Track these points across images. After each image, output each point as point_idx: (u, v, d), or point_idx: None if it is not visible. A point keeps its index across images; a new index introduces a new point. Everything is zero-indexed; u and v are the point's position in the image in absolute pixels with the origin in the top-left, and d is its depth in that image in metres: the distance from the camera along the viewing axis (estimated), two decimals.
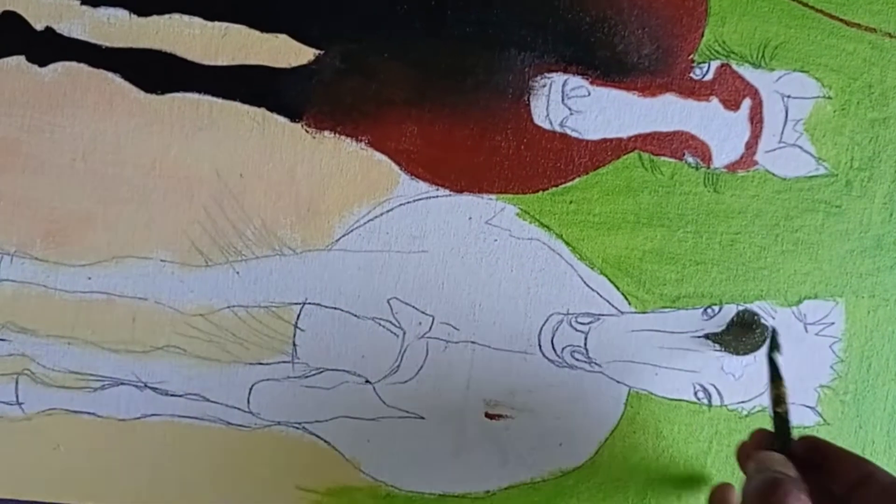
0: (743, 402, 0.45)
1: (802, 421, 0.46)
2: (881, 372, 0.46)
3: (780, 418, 0.40)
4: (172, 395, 0.43)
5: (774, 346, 0.44)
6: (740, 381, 0.45)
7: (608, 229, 0.44)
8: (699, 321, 0.45)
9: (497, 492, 0.45)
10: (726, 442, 0.45)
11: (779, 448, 0.39)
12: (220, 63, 0.43)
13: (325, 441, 0.44)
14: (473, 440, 0.45)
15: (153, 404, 0.43)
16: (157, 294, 0.43)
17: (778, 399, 0.41)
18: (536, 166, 0.44)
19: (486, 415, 0.45)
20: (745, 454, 0.40)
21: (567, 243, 0.44)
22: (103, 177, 0.42)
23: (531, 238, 0.44)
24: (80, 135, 0.42)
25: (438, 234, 0.44)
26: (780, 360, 0.43)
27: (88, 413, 0.43)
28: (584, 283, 0.44)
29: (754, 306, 0.45)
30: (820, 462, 0.37)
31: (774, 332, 0.45)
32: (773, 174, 0.45)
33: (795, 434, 0.40)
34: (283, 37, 0.43)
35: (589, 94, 0.44)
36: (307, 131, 0.43)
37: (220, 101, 0.43)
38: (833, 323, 0.46)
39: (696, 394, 0.45)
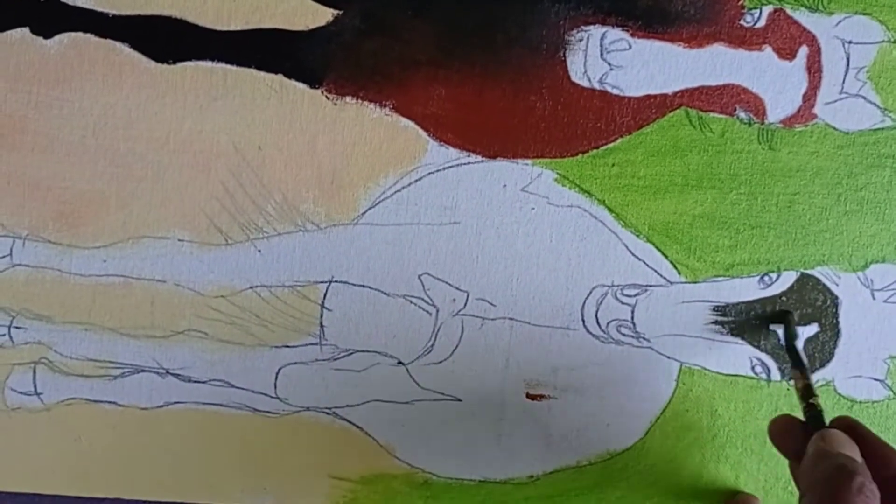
0: None
1: (871, 395, 0.43)
2: None
3: (814, 409, 0.37)
4: (196, 382, 0.42)
5: (792, 334, 0.42)
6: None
7: (654, 193, 0.42)
8: (756, 290, 0.42)
9: (541, 476, 0.43)
10: None
11: (814, 425, 0.36)
12: (233, 28, 0.41)
13: (358, 426, 0.43)
14: (514, 422, 0.43)
15: (176, 391, 0.42)
16: (175, 275, 0.42)
17: (807, 390, 0.38)
18: (575, 127, 0.41)
19: (528, 395, 0.43)
20: (780, 436, 0.37)
21: (610, 210, 0.42)
22: (115, 153, 0.41)
23: (571, 205, 0.42)
24: (89, 110, 0.41)
25: (471, 204, 0.42)
26: (801, 346, 0.41)
27: (109, 402, 0.42)
28: (630, 251, 0.42)
29: (816, 272, 0.42)
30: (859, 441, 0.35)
31: (789, 316, 0.42)
32: (835, 128, 0.42)
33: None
34: None
35: (630, 46, 0.41)
36: (328, 98, 0.41)
37: (234, 68, 0.41)
38: None
39: (753, 368, 0.43)
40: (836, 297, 0.43)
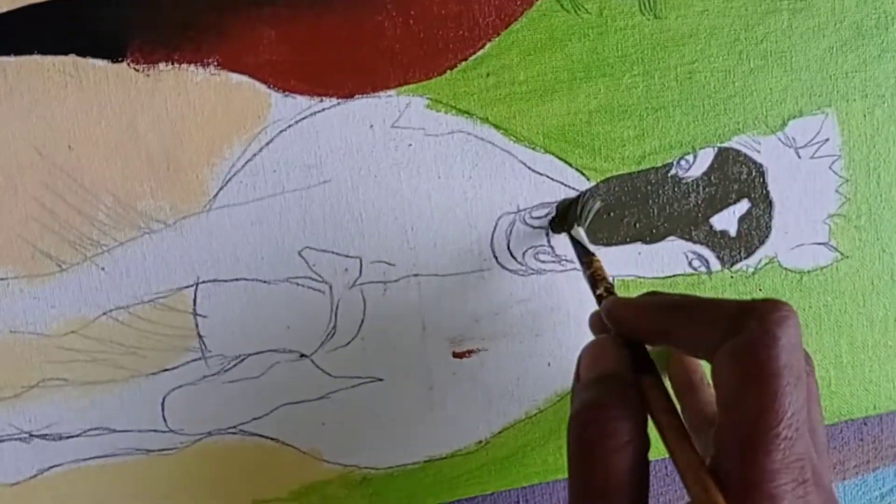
0: (746, 259, 0.39)
1: (818, 261, 0.40)
2: (894, 181, 0.40)
3: (604, 299, 0.33)
4: (68, 438, 0.36)
5: (567, 220, 0.37)
6: (738, 237, 0.39)
7: (541, 97, 0.37)
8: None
9: (490, 439, 0.39)
10: None
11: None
12: None
13: (272, 438, 0.37)
14: (446, 388, 0.38)
15: (47, 455, 0.36)
16: (9, 322, 0.35)
17: (593, 277, 0.35)
18: (435, 41, 0.36)
19: (454, 354, 0.38)
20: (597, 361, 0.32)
21: (496, 126, 0.37)
22: None
23: (452, 131, 0.36)
24: None
25: (338, 156, 0.36)
26: (581, 234, 0.37)
27: None
28: (529, 168, 0.37)
29: (734, 143, 0.38)
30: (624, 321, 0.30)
31: (561, 205, 0.38)
32: None
33: None
34: None
35: None
36: (137, 70, 0.34)
37: (13, 59, 0.34)
38: (827, 139, 0.39)
39: (690, 263, 0.39)
40: (761, 166, 0.39)
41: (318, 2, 0.35)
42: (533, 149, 0.37)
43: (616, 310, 0.31)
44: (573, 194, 0.37)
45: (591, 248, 0.36)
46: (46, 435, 0.36)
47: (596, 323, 0.33)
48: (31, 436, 0.35)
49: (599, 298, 0.34)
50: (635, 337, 0.30)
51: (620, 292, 0.39)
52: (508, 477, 0.39)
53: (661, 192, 0.38)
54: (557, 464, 0.40)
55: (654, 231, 0.38)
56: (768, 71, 0.38)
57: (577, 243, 0.37)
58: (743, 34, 0.38)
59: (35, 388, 0.35)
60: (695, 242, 0.39)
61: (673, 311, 0.28)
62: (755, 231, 0.39)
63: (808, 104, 0.39)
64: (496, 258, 0.38)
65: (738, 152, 0.38)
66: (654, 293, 0.32)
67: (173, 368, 0.36)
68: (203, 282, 0.36)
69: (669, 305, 0.29)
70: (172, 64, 0.34)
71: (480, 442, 0.39)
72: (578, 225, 0.37)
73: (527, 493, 0.41)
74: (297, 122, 0.35)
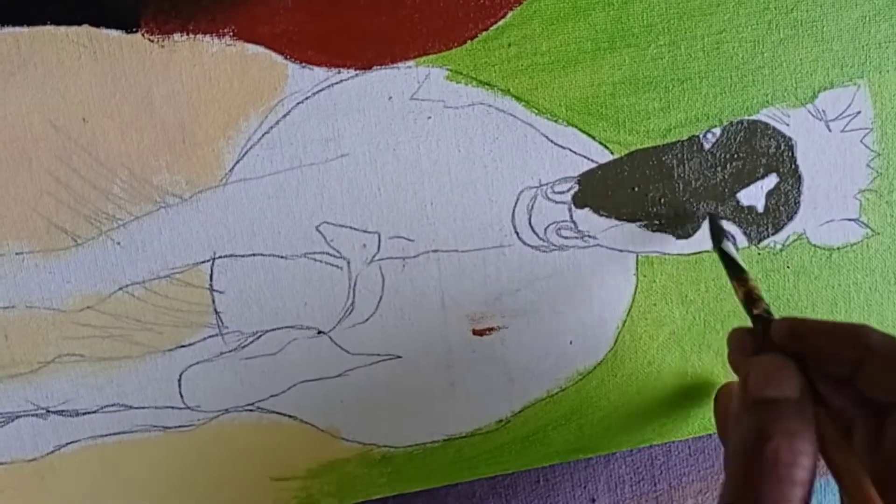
0: (774, 235, 0.38)
1: (847, 238, 0.39)
2: None
3: (762, 319, 0.32)
4: (85, 414, 0.36)
5: (719, 234, 0.37)
6: (765, 213, 0.38)
7: (563, 68, 0.36)
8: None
9: (511, 418, 0.38)
10: (765, 286, 0.39)
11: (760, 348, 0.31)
12: None
13: (290, 416, 0.37)
14: (466, 366, 0.37)
15: (64, 431, 0.36)
16: (25, 297, 0.34)
17: (750, 296, 0.33)
18: (455, 9, 0.35)
19: (474, 332, 0.37)
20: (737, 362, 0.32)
21: (518, 98, 0.36)
22: None
23: (472, 103, 0.36)
24: None
25: (356, 129, 0.35)
26: (732, 248, 0.36)
27: None
28: (551, 141, 0.36)
29: (762, 116, 0.37)
30: (809, 342, 0.29)
31: (713, 217, 0.37)
32: None
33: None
34: None
35: None
36: (151, 41, 0.34)
37: (26, 30, 0.33)
38: (859, 112, 0.38)
39: None
40: (790, 139, 0.38)
41: None
42: (555, 121, 0.36)
43: (804, 330, 0.29)
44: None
45: (742, 265, 0.35)
46: (63, 411, 0.35)
47: (746, 341, 0.32)
48: (48, 412, 0.35)
49: (757, 318, 0.32)
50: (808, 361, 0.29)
51: (643, 268, 0.38)
52: (529, 456, 0.39)
53: (686, 166, 0.37)
54: (578, 443, 0.39)
55: (679, 209, 0.38)
56: (798, 41, 0.37)
57: (728, 259, 0.35)
58: (772, 3, 0.37)
59: (51, 363, 0.35)
60: (721, 218, 0.38)
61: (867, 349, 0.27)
62: (783, 206, 0.38)
63: (839, 75, 0.38)
64: (517, 234, 0.37)
65: (766, 125, 0.38)
66: (791, 320, 0.30)
67: (190, 345, 0.36)
68: (219, 257, 0.35)
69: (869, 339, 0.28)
70: (187, 34, 0.34)
71: (501, 421, 0.38)
72: (727, 241, 0.36)
73: (547, 472, 0.41)
74: (314, 94, 0.35)
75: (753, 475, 0.26)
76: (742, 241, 0.38)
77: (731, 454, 0.27)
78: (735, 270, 0.35)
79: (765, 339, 0.31)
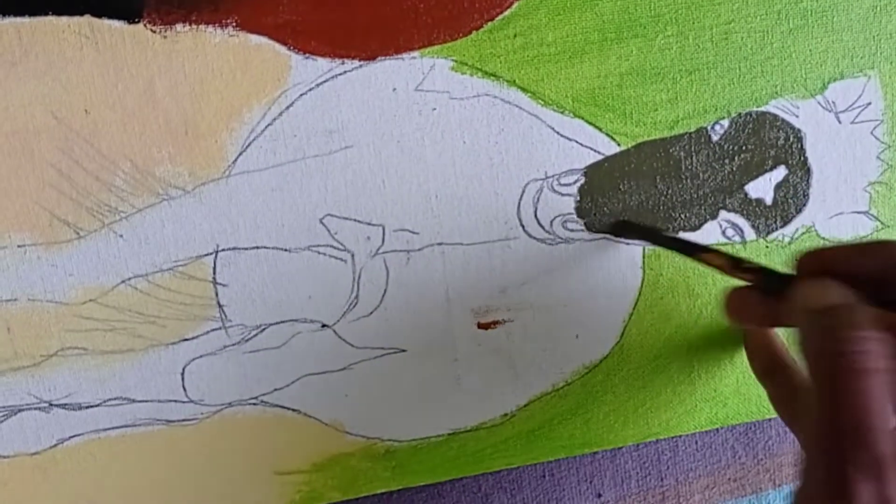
0: (782, 228, 0.38)
1: (857, 231, 0.38)
2: None
3: (753, 270, 0.33)
4: (88, 408, 0.35)
5: (635, 231, 0.37)
6: (774, 205, 0.38)
7: (570, 58, 0.36)
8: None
9: (516, 412, 0.38)
10: None
11: (778, 287, 0.31)
12: None
13: (293, 410, 0.37)
14: (471, 360, 0.37)
15: (67, 424, 0.35)
16: (27, 289, 0.34)
17: (735, 263, 0.33)
18: (460, 0, 0.35)
19: (479, 325, 0.37)
20: (736, 310, 0.34)
21: (524, 89, 0.36)
22: None
23: (478, 94, 0.35)
24: None
25: (360, 121, 0.35)
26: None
27: None
28: (557, 133, 0.36)
29: (771, 108, 0.37)
30: (839, 266, 0.30)
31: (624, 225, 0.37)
32: None
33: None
34: None
35: None
36: (154, 31, 0.33)
37: (27, 20, 0.33)
38: (869, 103, 0.38)
39: (724, 232, 0.38)
40: (799, 131, 0.37)
41: None
42: (561, 113, 0.36)
43: (832, 255, 0.30)
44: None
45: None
46: (66, 404, 0.35)
47: (752, 295, 0.33)
48: (51, 405, 0.35)
49: (759, 270, 0.33)
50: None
51: (650, 261, 0.38)
52: (534, 451, 0.39)
53: (693, 158, 0.37)
54: (584, 437, 0.39)
55: (686, 201, 0.37)
56: (808, 31, 0.37)
57: (687, 244, 0.36)
58: None
59: (54, 356, 0.35)
60: (729, 211, 0.38)
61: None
62: (792, 199, 0.38)
63: (849, 66, 0.37)
64: (523, 226, 0.37)
65: (775, 117, 0.37)
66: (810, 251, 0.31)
67: (193, 338, 0.36)
68: (223, 249, 0.35)
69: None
70: (190, 25, 0.34)
71: (506, 415, 0.38)
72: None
73: (553, 467, 0.40)
74: (317, 86, 0.34)
75: (843, 374, 0.26)
76: (750, 233, 0.38)
77: (815, 364, 0.27)
78: (699, 249, 0.35)
79: (773, 283, 0.31)
